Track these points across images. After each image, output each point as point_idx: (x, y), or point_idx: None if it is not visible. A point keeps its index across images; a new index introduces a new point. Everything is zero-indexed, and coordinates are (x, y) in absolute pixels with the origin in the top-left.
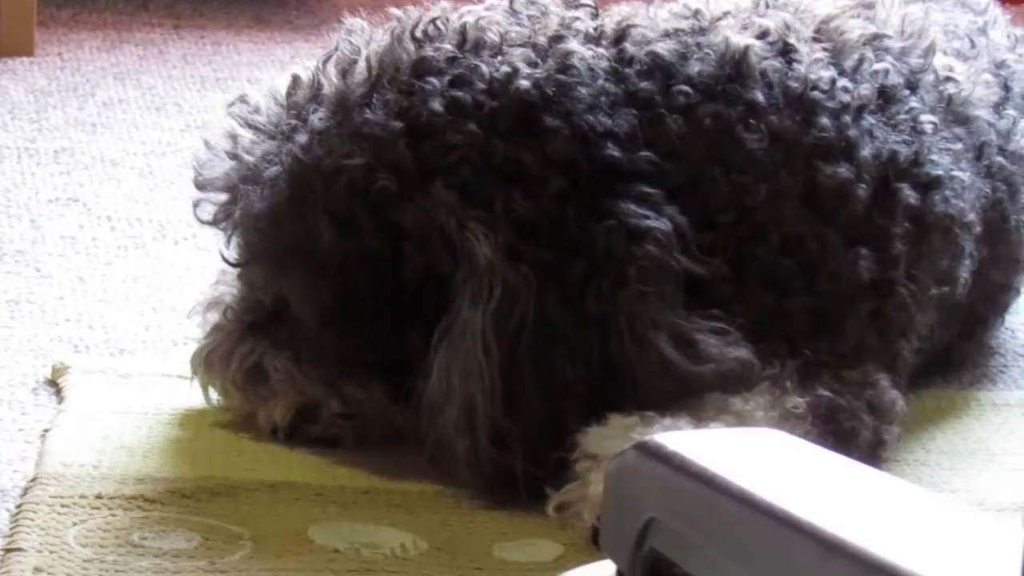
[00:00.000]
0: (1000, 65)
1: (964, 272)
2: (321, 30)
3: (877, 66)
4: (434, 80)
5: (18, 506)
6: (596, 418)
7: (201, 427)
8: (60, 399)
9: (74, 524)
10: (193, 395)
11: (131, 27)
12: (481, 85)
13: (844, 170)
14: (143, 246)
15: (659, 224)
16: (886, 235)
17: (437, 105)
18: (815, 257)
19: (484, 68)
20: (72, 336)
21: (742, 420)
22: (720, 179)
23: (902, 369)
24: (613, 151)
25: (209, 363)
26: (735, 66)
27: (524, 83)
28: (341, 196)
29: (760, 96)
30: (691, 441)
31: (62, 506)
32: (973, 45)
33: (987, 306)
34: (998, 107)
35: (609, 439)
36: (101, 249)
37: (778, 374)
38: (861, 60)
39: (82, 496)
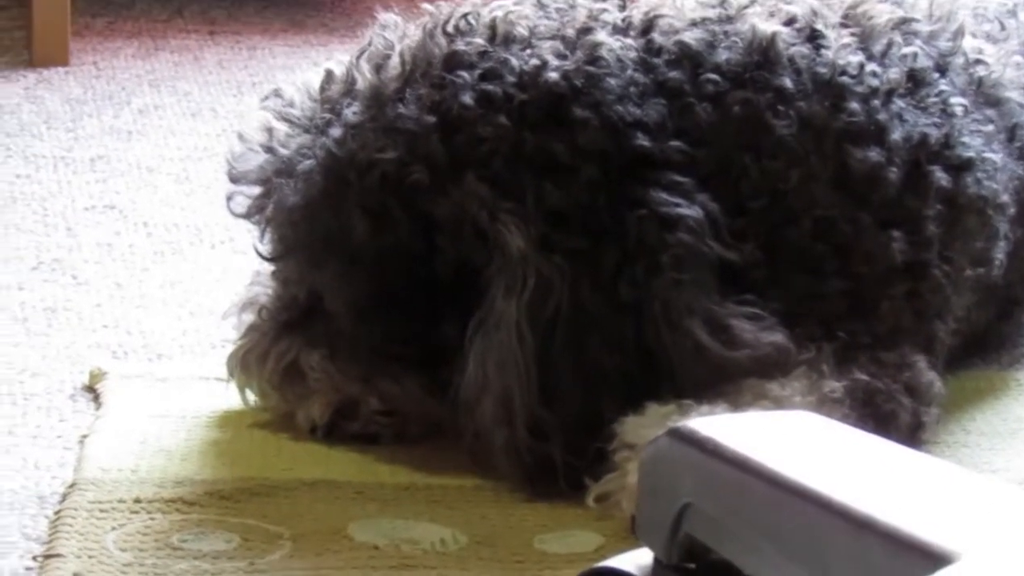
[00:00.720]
0: None
1: (999, 253)
2: (356, 32)
3: (906, 50)
4: (465, 74)
5: (57, 512)
6: (633, 407)
7: (239, 429)
8: (98, 405)
9: (113, 528)
10: (230, 397)
11: (166, 34)
12: (511, 78)
13: (875, 154)
14: (180, 251)
15: (691, 212)
16: (919, 217)
17: (468, 99)
18: (848, 240)
19: (514, 61)
20: (110, 342)
21: (779, 406)
22: (751, 165)
23: (939, 351)
24: (643, 140)
25: (245, 364)
26: (763, 53)
27: (553, 75)
28: (374, 189)
29: (788, 82)
30: (725, 426)
31: (101, 511)
32: (1003, 27)
33: None
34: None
35: (647, 428)
36: (138, 255)
37: (814, 358)
38: (889, 44)
39: (121, 500)
